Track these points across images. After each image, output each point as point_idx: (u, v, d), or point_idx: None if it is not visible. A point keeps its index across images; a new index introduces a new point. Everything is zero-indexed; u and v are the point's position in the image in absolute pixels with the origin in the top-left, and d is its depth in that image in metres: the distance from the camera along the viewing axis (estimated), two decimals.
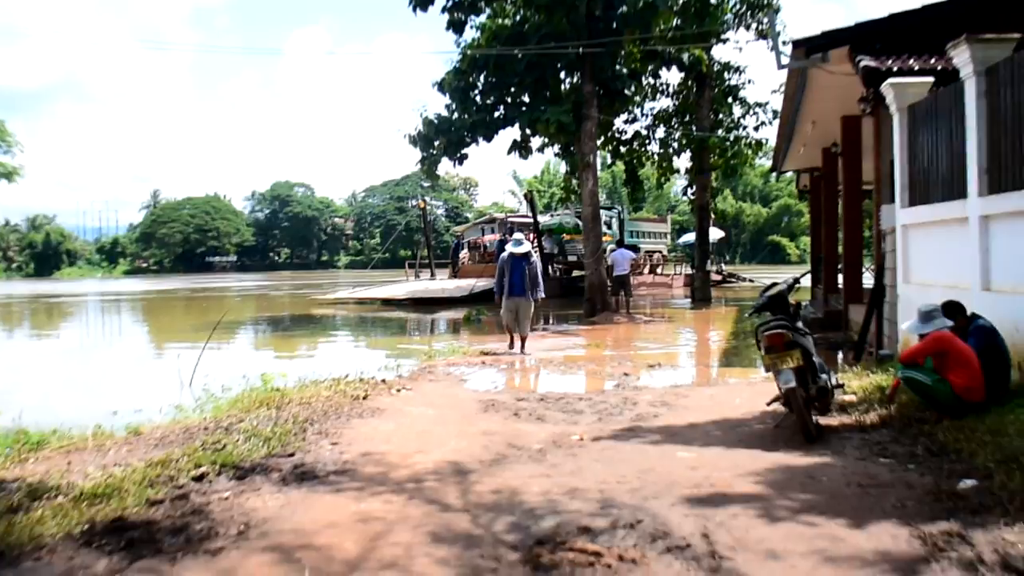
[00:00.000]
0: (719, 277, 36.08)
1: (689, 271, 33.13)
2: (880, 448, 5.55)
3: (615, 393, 8.66)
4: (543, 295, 12.10)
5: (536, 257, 12.36)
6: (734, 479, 4.97)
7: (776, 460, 5.41)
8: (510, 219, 36.98)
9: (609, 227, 33.90)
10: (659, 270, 37.34)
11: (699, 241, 25.64)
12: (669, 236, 48.39)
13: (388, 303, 26.92)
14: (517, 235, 12.60)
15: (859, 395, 7.13)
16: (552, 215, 37.21)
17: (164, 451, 5.84)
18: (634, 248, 28.74)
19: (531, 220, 30.26)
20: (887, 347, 9.47)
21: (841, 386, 6.85)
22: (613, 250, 22.43)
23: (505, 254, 12.16)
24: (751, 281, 37.46)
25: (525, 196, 33.54)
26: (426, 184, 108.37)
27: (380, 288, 30.55)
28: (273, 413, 7.11)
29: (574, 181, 24.17)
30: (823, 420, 6.36)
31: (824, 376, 6.29)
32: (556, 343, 14.13)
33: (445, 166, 21.54)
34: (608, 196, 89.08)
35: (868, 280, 13.01)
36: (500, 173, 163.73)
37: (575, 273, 30.15)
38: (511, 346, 12.20)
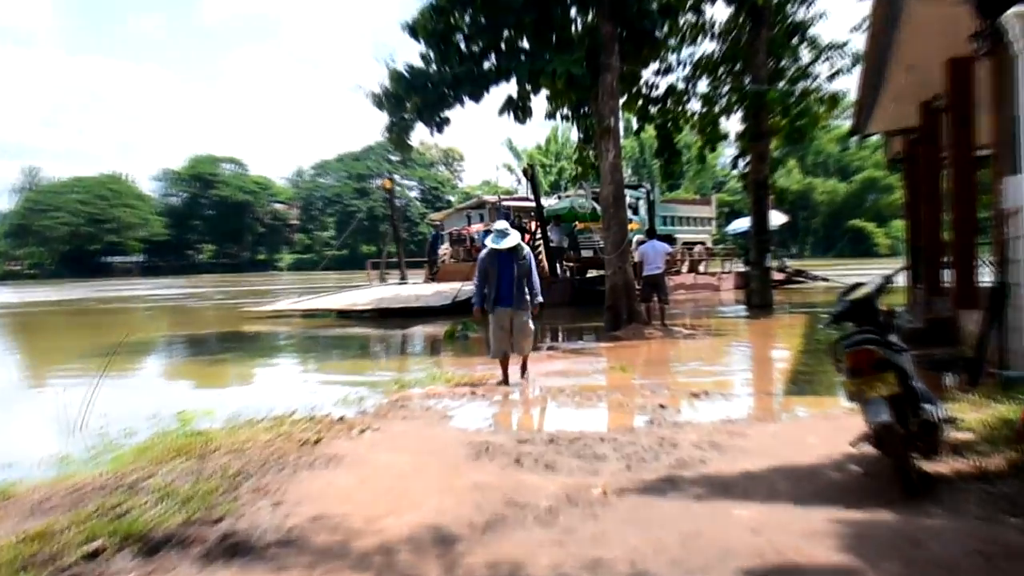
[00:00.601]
0: (782, 276, 36.24)
1: (742, 268, 33.21)
2: (1009, 504, 5.52)
3: (648, 432, 8.63)
4: (541, 300, 12.04)
5: (530, 251, 12.32)
6: (809, 546, 4.92)
7: (866, 520, 5.37)
8: (504, 202, 37.16)
9: (636, 212, 34.02)
10: (702, 267, 37.60)
11: (755, 228, 25.63)
12: (714, 222, 48.52)
13: (346, 316, 26.95)
14: (499, 223, 12.32)
15: (978, 431, 7.10)
16: (560, 197, 37.46)
17: (44, 520, 5.79)
18: (669, 239, 28.77)
19: (532, 204, 30.32)
20: (1014, 366, 9.41)
21: (953, 420, 6.79)
22: (642, 242, 22.40)
23: (485, 251, 12.03)
24: (825, 280, 37.54)
25: (524, 172, 33.89)
26: (395, 158, 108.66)
27: (335, 296, 30.55)
28: (194, 464, 7.07)
29: (590, 152, 24.17)
30: (928, 466, 6.32)
31: (929, 407, 6.25)
32: (568, 366, 14.13)
33: (420, 134, 21.65)
34: (635, 171, 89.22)
35: (986, 277, 12.94)
36: (492, 143, 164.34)
37: (592, 273, 30.14)
38: (505, 380, 12.19)
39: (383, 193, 42.56)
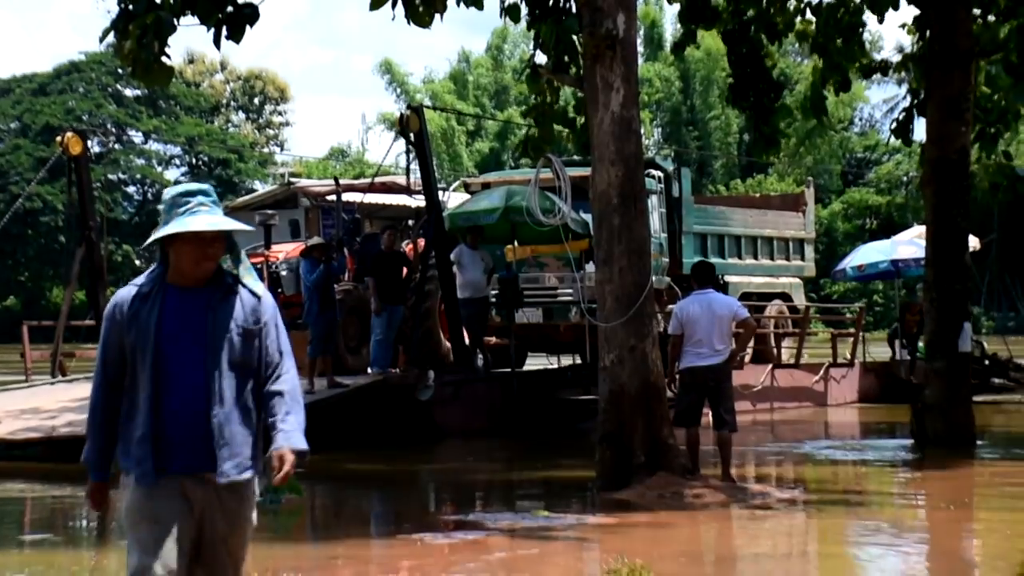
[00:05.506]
0: (989, 370, 21.76)
1: (890, 353, 21.52)
2: None
3: None
4: (302, 447, 4.38)
5: (273, 311, 4.58)
6: None
7: None
8: (353, 194, 20.00)
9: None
10: (786, 351, 23.04)
11: (938, 264, 15.24)
12: (812, 249, 26.83)
13: None
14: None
15: None
16: (469, 189, 21.21)
17: None
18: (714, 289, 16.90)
19: (415, 196, 17.60)
20: None
21: None
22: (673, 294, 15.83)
23: (116, 302, 4.76)
24: None
25: (401, 122, 17.55)
26: (132, 91, 63.85)
27: None
28: None
29: (557, 92, 14.65)
30: None
31: None
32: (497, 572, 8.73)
33: (191, 41, 7.39)
34: (669, 137, 61.72)
35: None
36: (355, 72, 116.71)
37: (547, 360, 19.84)
38: None
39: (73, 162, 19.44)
